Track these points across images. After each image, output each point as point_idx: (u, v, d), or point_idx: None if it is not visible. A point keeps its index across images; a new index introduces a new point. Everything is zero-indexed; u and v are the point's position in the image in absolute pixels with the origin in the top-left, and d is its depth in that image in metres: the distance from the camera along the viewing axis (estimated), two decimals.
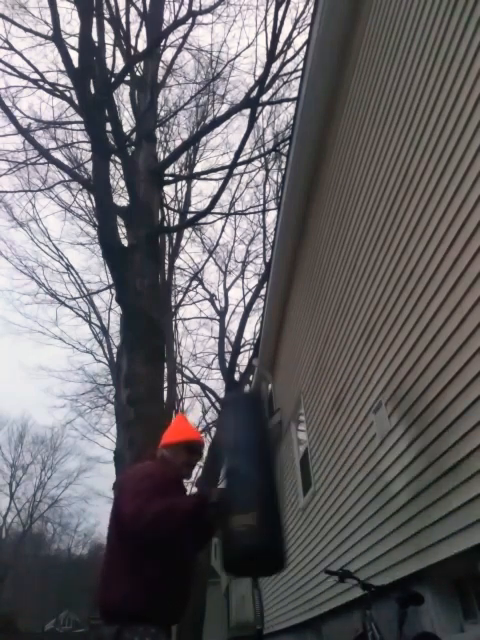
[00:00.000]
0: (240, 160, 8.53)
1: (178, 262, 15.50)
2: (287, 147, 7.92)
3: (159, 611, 1.88)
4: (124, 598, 1.85)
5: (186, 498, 2.04)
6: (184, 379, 16.82)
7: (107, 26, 7.57)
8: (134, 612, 1.84)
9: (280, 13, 6.36)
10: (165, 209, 11.95)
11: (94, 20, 5.84)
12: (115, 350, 15.29)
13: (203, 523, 1.99)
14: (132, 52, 8.33)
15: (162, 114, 11.40)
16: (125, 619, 1.84)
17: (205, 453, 12.50)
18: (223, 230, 34.24)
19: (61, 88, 9.18)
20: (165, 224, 11.53)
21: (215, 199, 7.21)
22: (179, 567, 2.00)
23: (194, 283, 16.33)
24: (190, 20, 9.04)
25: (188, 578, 2.07)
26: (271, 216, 17.32)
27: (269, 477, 2.06)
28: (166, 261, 13.63)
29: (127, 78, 8.41)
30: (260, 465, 2.07)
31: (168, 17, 9.69)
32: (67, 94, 8.86)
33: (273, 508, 1.97)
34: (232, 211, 14.33)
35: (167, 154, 12.05)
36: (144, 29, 8.74)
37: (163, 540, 1.91)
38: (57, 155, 10.90)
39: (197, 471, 12.00)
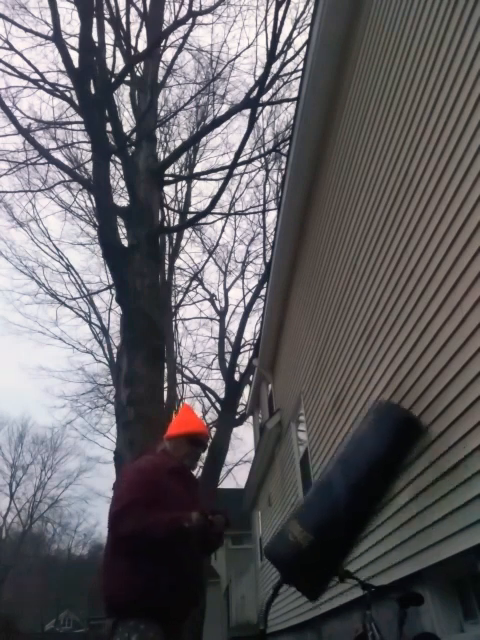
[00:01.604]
0: (240, 160, 8.53)
1: (178, 262, 15.51)
2: (287, 147, 7.92)
3: (152, 606, 1.87)
4: (117, 591, 1.91)
5: (162, 520, 1.95)
6: (184, 379, 16.81)
7: (107, 26, 7.55)
8: (125, 605, 1.87)
9: (280, 13, 6.35)
10: (165, 209, 11.95)
11: (94, 20, 5.83)
12: (115, 350, 15.28)
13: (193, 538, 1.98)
14: (132, 52, 8.32)
15: (162, 114, 11.38)
16: (118, 612, 1.89)
17: (206, 453, 12.50)
18: (223, 230, 34.39)
19: (61, 88, 9.17)
20: (165, 224, 11.54)
21: (215, 199, 7.21)
22: (176, 564, 1.98)
23: (194, 283, 16.35)
24: (190, 20, 9.04)
25: (190, 576, 2.05)
26: (271, 216, 17.36)
27: (359, 519, 1.83)
28: (166, 261, 13.62)
29: (127, 78, 8.41)
30: (361, 499, 1.83)
31: (168, 17, 9.69)
32: (67, 94, 8.84)
33: (334, 546, 1.78)
34: (232, 211, 14.34)
35: (167, 154, 12.05)
36: (144, 29, 8.75)
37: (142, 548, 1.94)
38: (57, 155, 10.90)
39: (197, 471, 11.99)
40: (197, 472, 11.96)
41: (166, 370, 9.71)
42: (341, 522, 1.80)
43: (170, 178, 10.18)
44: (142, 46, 9.17)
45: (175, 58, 10.54)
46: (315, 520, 1.80)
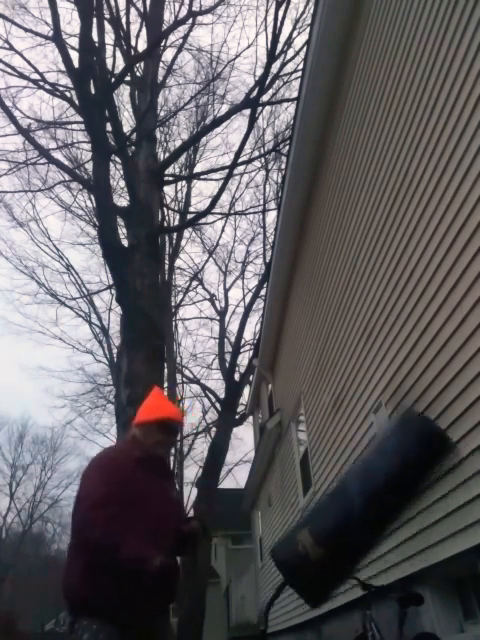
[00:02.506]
0: (240, 160, 8.53)
1: (178, 262, 15.52)
2: (287, 147, 7.92)
3: (106, 606, 1.80)
4: (73, 588, 1.86)
5: (131, 549, 1.76)
6: (184, 379, 16.81)
7: (107, 26, 7.55)
8: (80, 602, 1.84)
9: (280, 13, 6.34)
10: (165, 209, 11.95)
11: (94, 20, 5.83)
12: (115, 350, 15.27)
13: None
14: (132, 52, 8.32)
15: (162, 114, 11.38)
16: (75, 610, 1.86)
17: (205, 454, 12.51)
18: (223, 230, 34.37)
19: (61, 88, 9.16)
20: (165, 224, 11.53)
21: (215, 199, 7.21)
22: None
23: (194, 283, 16.35)
24: (190, 20, 9.03)
25: (155, 579, 1.86)
26: (271, 216, 17.35)
27: (372, 534, 1.77)
28: (166, 261, 13.63)
29: (127, 78, 8.40)
30: (376, 515, 1.75)
31: (168, 17, 9.69)
32: (67, 94, 8.83)
33: (344, 561, 1.73)
34: (232, 211, 14.34)
35: (167, 154, 12.05)
36: (144, 29, 8.75)
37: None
38: (57, 155, 10.89)
39: (197, 471, 11.97)
40: (197, 472, 11.96)
41: (166, 370, 9.71)
42: (354, 538, 1.75)
43: (170, 178, 10.18)
44: (142, 46, 9.17)
45: (175, 58, 10.55)
46: (327, 533, 1.74)
